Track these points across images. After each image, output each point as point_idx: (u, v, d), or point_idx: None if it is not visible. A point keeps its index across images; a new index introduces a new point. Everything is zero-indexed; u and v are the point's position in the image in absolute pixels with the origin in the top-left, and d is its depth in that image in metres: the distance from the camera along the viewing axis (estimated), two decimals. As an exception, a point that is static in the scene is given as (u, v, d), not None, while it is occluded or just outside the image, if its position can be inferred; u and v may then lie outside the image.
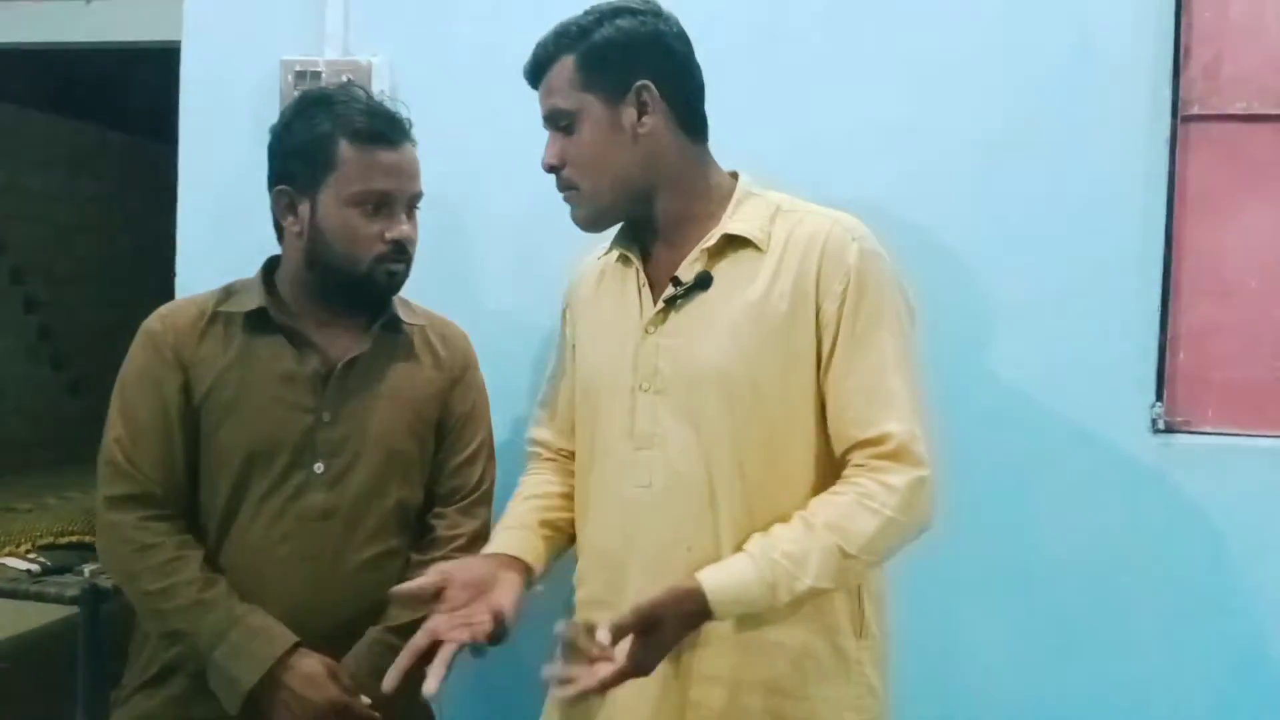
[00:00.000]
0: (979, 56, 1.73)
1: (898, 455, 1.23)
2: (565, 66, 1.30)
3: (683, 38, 1.33)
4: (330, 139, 1.42)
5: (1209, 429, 1.71)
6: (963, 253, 1.73)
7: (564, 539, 1.44)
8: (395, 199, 1.45)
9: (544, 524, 1.42)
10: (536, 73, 1.34)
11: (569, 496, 1.44)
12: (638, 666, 1.17)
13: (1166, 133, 1.70)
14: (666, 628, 1.18)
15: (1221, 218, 1.71)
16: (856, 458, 1.26)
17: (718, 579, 1.21)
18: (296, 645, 1.39)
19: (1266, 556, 1.67)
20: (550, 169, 1.34)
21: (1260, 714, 1.67)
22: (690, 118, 1.33)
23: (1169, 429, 1.71)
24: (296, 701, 1.37)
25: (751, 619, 1.27)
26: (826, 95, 1.77)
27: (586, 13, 1.32)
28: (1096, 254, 1.70)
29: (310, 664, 1.39)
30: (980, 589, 1.74)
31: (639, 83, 1.29)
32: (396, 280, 1.48)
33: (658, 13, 1.32)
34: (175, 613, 1.39)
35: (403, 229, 1.45)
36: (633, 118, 1.29)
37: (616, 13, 1.30)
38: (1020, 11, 1.73)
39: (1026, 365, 1.72)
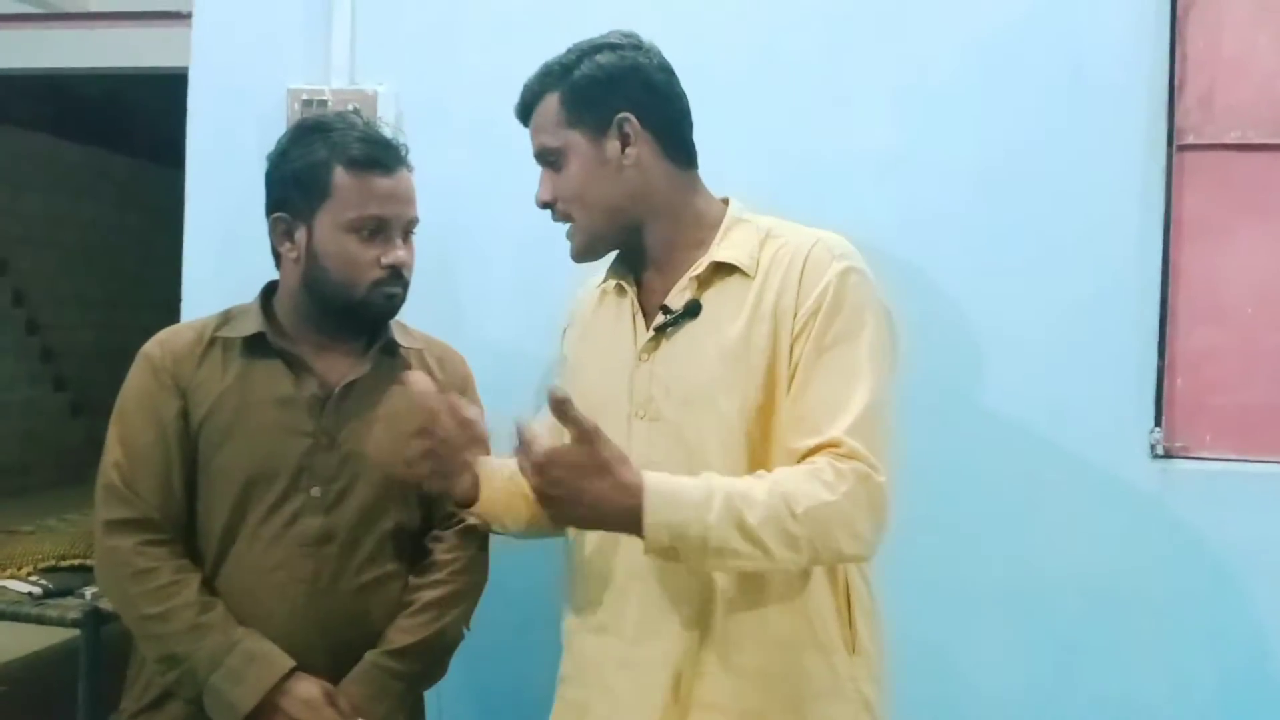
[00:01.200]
0: (976, 88, 1.75)
1: (850, 457, 1.21)
2: (549, 105, 1.33)
3: (665, 69, 1.35)
4: (326, 166, 1.43)
5: (1207, 454, 1.72)
6: (961, 281, 1.75)
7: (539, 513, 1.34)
8: (391, 224, 1.45)
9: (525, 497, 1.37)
10: (525, 112, 1.36)
11: None
12: (550, 466, 1.12)
13: (1162, 162, 1.72)
14: (592, 473, 1.13)
15: (1217, 245, 1.73)
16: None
17: (659, 476, 1.16)
18: (294, 670, 1.39)
19: (1265, 580, 1.68)
20: (544, 205, 1.36)
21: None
22: (676, 146, 1.35)
23: (1167, 454, 1.72)
24: None
25: (747, 641, 1.27)
26: (823, 126, 1.79)
27: (569, 50, 1.34)
28: (1094, 282, 1.72)
29: (307, 688, 1.38)
30: (982, 611, 1.75)
31: (620, 115, 1.30)
32: (394, 304, 1.48)
33: (637, 45, 1.34)
34: (172, 637, 1.39)
35: (399, 254, 1.45)
36: (617, 151, 1.31)
37: (596, 49, 1.32)
38: (1016, 43, 1.75)
39: (1026, 392, 1.73)
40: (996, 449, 1.73)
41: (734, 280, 1.31)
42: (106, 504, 1.43)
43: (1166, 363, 1.72)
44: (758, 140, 1.77)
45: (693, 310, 1.31)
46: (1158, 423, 1.72)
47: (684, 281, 1.32)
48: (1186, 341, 1.73)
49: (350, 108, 1.81)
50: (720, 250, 1.32)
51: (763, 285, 1.29)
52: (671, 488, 1.16)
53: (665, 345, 1.32)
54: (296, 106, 1.87)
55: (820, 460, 1.21)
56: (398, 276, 1.46)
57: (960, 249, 1.75)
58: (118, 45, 2.77)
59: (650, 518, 1.13)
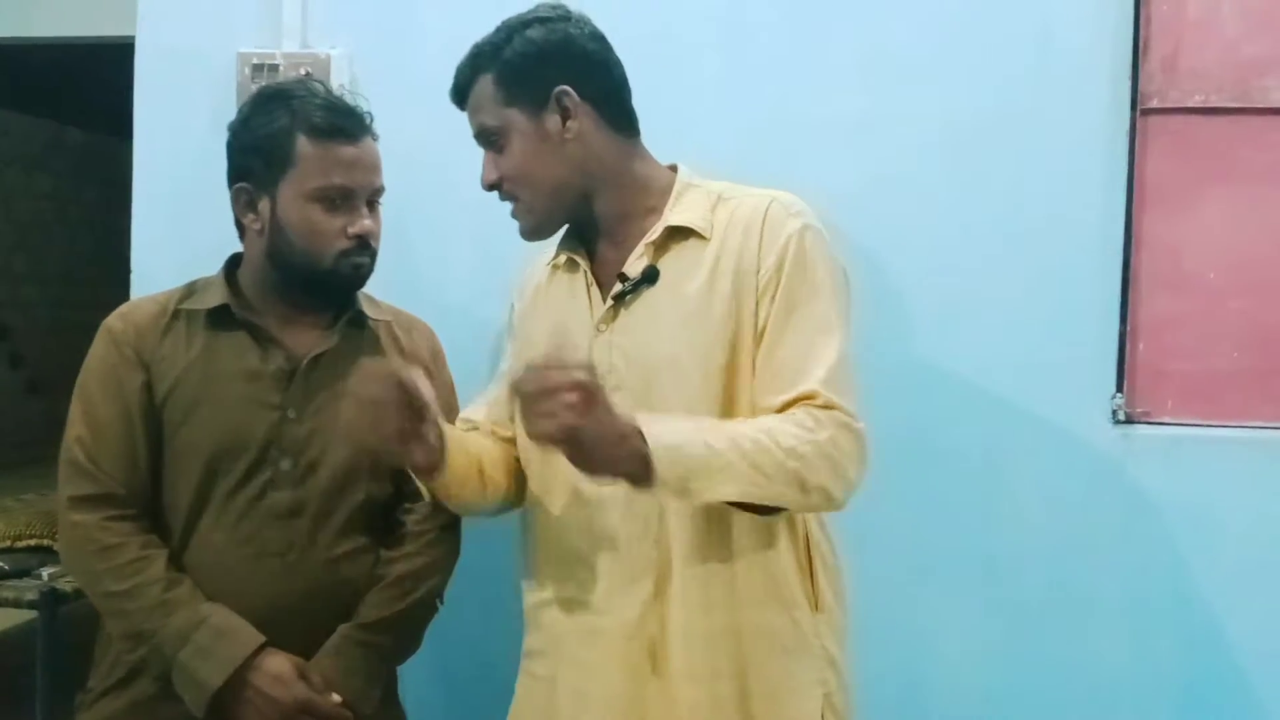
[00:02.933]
0: (940, 51, 1.74)
1: (828, 407, 1.22)
2: (485, 86, 1.32)
3: (597, 37, 1.34)
4: (288, 135, 1.41)
5: (1168, 420, 1.73)
6: (924, 246, 1.74)
7: (492, 487, 1.38)
8: (356, 194, 1.43)
9: (486, 463, 1.38)
10: (460, 96, 1.35)
11: (507, 459, 1.41)
12: (564, 424, 1.11)
13: (1126, 126, 1.71)
14: (600, 420, 1.12)
15: (1180, 210, 1.73)
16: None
17: (645, 416, 1.17)
18: (264, 645, 1.37)
19: (1224, 544, 1.69)
20: (490, 187, 1.35)
21: (1218, 699, 1.70)
22: (617, 114, 1.34)
23: (1129, 420, 1.73)
24: (264, 701, 1.35)
25: (715, 604, 1.27)
26: (788, 90, 1.77)
27: (498, 29, 1.33)
28: (1056, 247, 1.71)
29: (278, 663, 1.37)
30: (944, 576, 1.75)
31: (557, 89, 1.29)
32: (361, 275, 1.46)
33: (566, 17, 1.33)
34: (139, 613, 1.37)
35: (365, 223, 1.43)
36: (557, 125, 1.30)
37: (526, 24, 1.32)
38: (981, 6, 1.73)
39: (988, 357, 1.73)
40: (958, 413, 1.72)
41: (690, 244, 1.31)
42: (70, 480, 1.41)
43: (1128, 328, 1.72)
44: (723, 105, 1.75)
45: (650, 276, 1.30)
46: (1119, 388, 1.73)
47: (640, 248, 1.32)
48: (1148, 306, 1.73)
49: (302, 71, 1.77)
50: (674, 214, 1.32)
51: (721, 246, 1.29)
52: (668, 425, 1.17)
53: (624, 314, 1.31)
54: (247, 71, 1.82)
55: (798, 411, 1.22)
56: (365, 246, 1.44)
57: (924, 213, 1.74)
58: (67, 13, 2.70)
59: (653, 439, 1.13)
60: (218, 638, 1.36)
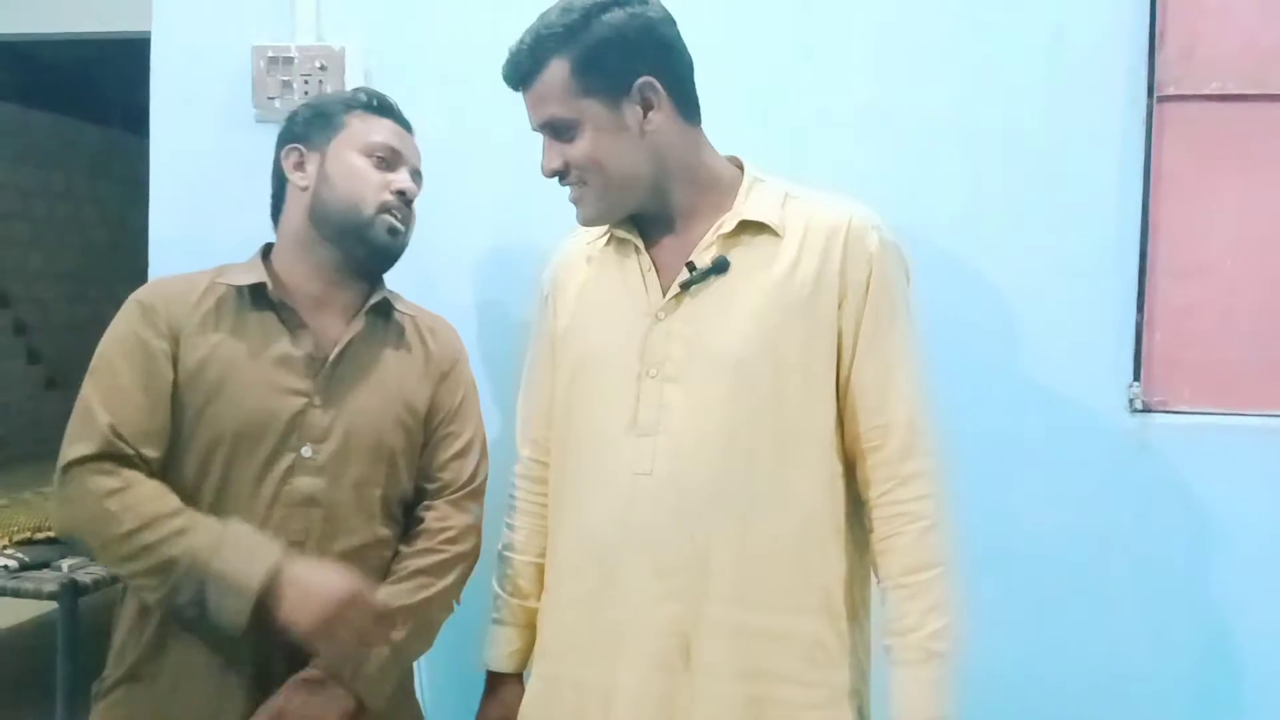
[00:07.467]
0: (955, 39, 1.73)
1: (909, 447, 1.28)
2: (557, 73, 1.24)
3: (670, 19, 1.29)
4: (344, 109, 1.48)
5: (1186, 408, 1.72)
6: (940, 235, 1.72)
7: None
8: (401, 158, 1.47)
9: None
10: (523, 81, 1.28)
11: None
12: None
13: (1142, 114, 1.70)
14: None
15: (1197, 198, 1.72)
16: (871, 461, 1.29)
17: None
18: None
19: (1242, 533, 1.69)
20: (553, 174, 1.30)
21: (1236, 687, 1.69)
22: (687, 103, 1.30)
23: (1146, 409, 1.72)
24: (306, 597, 1.29)
25: (759, 605, 1.27)
26: (802, 79, 1.77)
27: (566, 9, 1.25)
28: (1073, 235, 1.71)
29: (312, 561, 1.34)
30: (961, 565, 1.74)
31: (641, 80, 1.24)
32: (396, 241, 1.46)
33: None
34: (162, 543, 1.30)
35: (407, 183, 1.46)
36: (638, 115, 1.25)
37: (603, 7, 1.24)
38: (996, -6, 1.72)
39: (1004, 347, 1.73)
40: (975, 404, 1.71)
41: (761, 240, 1.28)
42: (76, 440, 1.34)
43: (1145, 317, 1.71)
44: (735, 96, 1.74)
45: (721, 267, 1.27)
46: (1136, 377, 1.72)
47: (710, 238, 1.29)
48: (1165, 295, 1.72)
49: (317, 65, 1.78)
50: (748, 208, 1.29)
51: (800, 248, 1.28)
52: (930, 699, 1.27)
53: (688, 303, 1.28)
54: (262, 64, 1.82)
55: (911, 498, 1.28)
56: (406, 205, 1.47)
57: (939, 203, 1.73)
58: (83, 9, 2.71)
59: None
60: (248, 541, 1.31)
